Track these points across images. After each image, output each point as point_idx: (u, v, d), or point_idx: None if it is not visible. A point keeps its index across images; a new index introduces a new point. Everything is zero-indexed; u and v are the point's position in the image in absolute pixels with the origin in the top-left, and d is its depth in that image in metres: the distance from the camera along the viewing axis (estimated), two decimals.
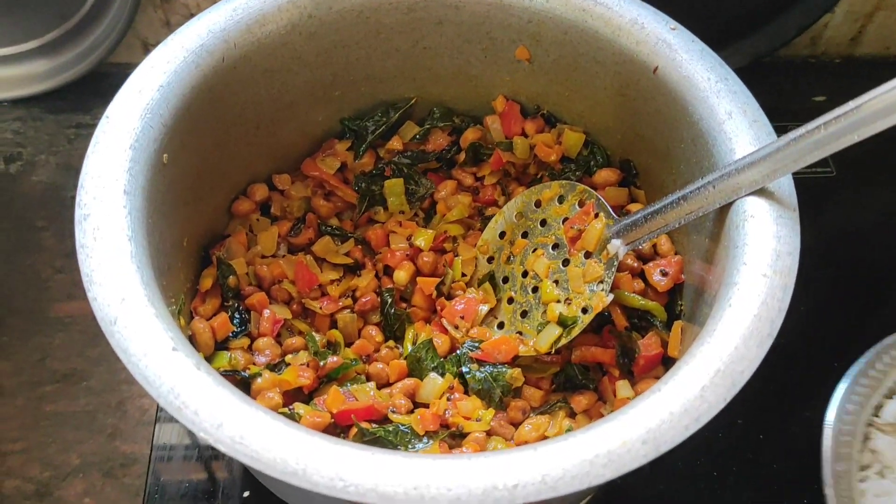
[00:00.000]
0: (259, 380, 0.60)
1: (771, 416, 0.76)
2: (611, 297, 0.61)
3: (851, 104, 0.47)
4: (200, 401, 0.46)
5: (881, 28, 1.03)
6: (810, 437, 0.66)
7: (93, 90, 0.99)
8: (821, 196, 0.90)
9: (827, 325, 0.82)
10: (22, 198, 0.92)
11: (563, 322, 0.62)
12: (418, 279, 0.68)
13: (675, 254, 0.66)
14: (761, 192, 0.54)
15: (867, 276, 0.86)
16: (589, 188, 0.65)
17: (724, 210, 0.56)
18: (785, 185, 0.55)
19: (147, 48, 0.99)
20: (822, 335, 0.80)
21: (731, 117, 0.58)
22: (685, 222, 0.58)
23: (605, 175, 0.71)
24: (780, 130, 0.54)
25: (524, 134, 0.73)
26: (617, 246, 0.61)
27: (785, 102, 1.01)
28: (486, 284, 0.68)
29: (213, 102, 0.62)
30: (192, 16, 0.94)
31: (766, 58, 0.97)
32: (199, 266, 0.66)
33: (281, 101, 0.68)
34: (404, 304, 0.69)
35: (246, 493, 0.70)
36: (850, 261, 0.86)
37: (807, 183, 0.91)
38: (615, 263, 0.62)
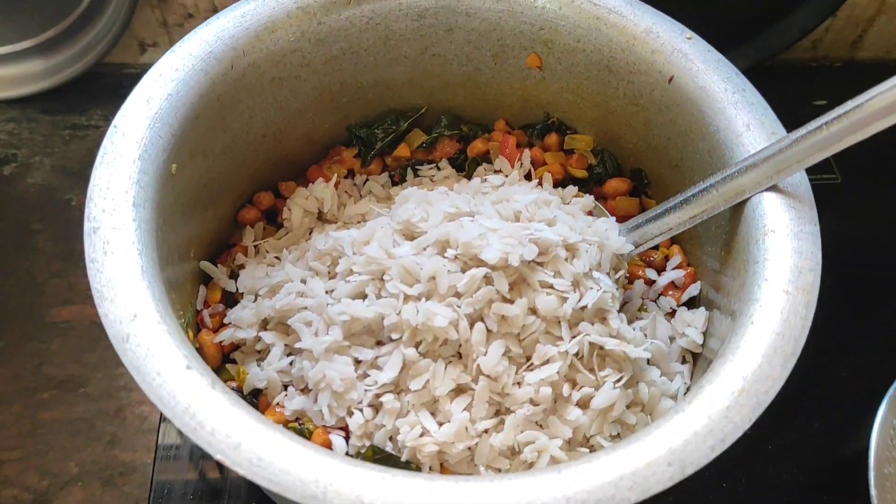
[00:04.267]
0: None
1: (801, 429, 0.76)
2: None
3: (852, 103, 0.47)
4: (216, 421, 0.45)
5: (882, 32, 1.03)
6: (845, 449, 0.66)
7: (89, 91, 0.97)
8: (827, 203, 0.89)
9: (849, 337, 0.81)
10: (16, 200, 0.91)
11: None
12: None
13: (688, 265, 0.65)
14: (782, 206, 0.54)
15: (881, 284, 0.86)
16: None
17: (742, 223, 0.56)
18: (805, 199, 0.55)
19: (144, 48, 0.98)
20: (847, 348, 0.80)
21: (749, 129, 0.58)
22: (691, 225, 0.58)
23: (615, 185, 0.71)
24: None
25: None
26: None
27: (786, 107, 0.99)
28: None
29: (221, 110, 0.61)
30: (189, 16, 0.94)
31: (767, 62, 0.96)
32: (204, 276, 0.65)
33: (289, 108, 0.67)
34: None
35: None
36: (862, 269, 0.86)
37: (813, 190, 0.91)
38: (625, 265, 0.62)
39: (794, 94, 1.03)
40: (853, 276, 0.85)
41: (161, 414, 0.74)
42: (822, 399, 0.76)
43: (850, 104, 0.47)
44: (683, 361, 0.61)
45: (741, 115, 0.59)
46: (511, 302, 0.55)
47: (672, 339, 0.62)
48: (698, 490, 0.72)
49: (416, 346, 0.55)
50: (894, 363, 0.65)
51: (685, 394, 0.58)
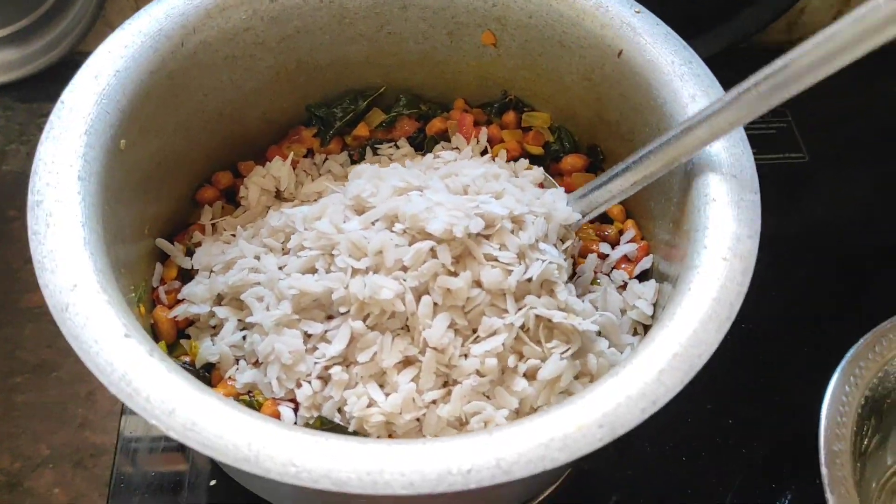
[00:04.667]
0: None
1: (761, 404, 0.76)
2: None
3: (780, 62, 0.48)
4: (152, 388, 0.45)
5: None
6: (802, 423, 0.66)
7: (63, 79, 0.93)
8: (795, 182, 0.90)
9: (810, 314, 0.82)
10: None
11: None
12: None
13: (642, 239, 0.66)
14: (724, 176, 0.54)
15: (846, 263, 0.86)
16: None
17: (686, 193, 0.56)
18: (747, 168, 0.55)
19: None
20: (806, 324, 0.81)
21: (695, 100, 0.58)
22: (634, 191, 0.58)
23: (571, 161, 0.71)
24: None
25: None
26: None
27: None
28: None
29: (172, 88, 0.61)
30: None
31: (742, 44, 0.96)
32: (161, 255, 0.65)
33: (244, 87, 0.68)
34: None
35: (212, 482, 0.70)
36: (829, 248, 0.86)
37: (780, 169, 0.91)
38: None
39: None
40: (818, 253, 0.86)
41: None
42: (782, 375, 0.76)
43: (778, 62, 0.48)
44: (635, 333, 0.62)
45: (687, 87, 0.59)
46: (455, 275, 0.55)
47: (623, 311, 0.62)
48: (659, 463, 0.72)
49: (364, 319, 0.56)
50: (851, 339, 0.65)
51: None
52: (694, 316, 0.49)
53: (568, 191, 0.68)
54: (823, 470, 0.60)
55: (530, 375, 0.56)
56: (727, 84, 0.56)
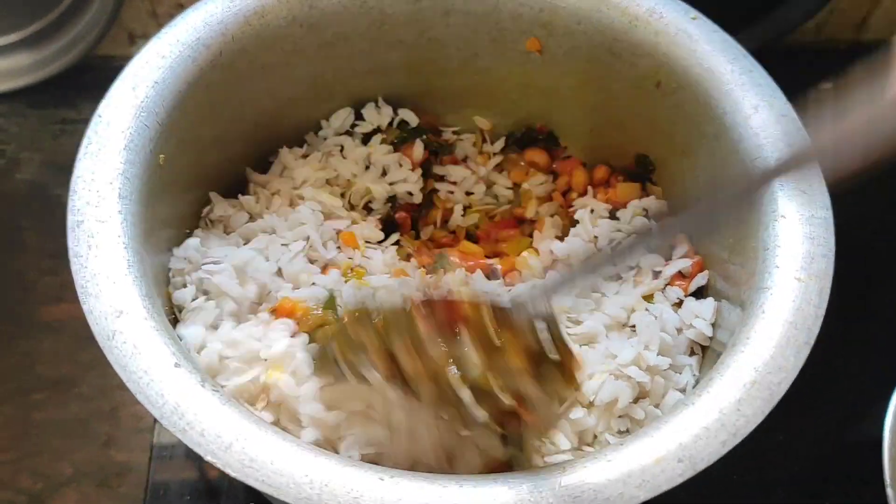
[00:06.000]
0: None
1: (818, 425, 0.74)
2: None
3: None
4: (206, 421, 0.43)
5: (887, 13, 1.01)
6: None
7: (78, 84, 0.95)
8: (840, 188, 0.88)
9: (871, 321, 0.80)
10: (5, 197, 0.88)
11: None
12: None
13: (696, 254, 0.63)
14: (792, 191, 0.52)
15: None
16: None
17: (752, 209, 0.54)
18: (816, 184, 0.53)
19: (133, 40, 0.96)
20: (866, 333, 0.79)
21: (758, 111, 0.56)
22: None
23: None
24: None
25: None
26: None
27: (791, 91, 0.99)
28: None
29: (210, 99, 0.59)
30: (179, 6, 0.91)
31: (770, 46, 0.94)
32: None
33: (280, 97, 0.66)
34: None
35: None
36: (873, 255, 0.84)
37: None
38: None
39: (799, 78, 1.01)
40: (867, 263, 0.84)
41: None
42: (835, 386, 0.74)
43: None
44: (692, 353, 0.59)
45: (749, 97, 0.57)
46: None
47: (679, 330, 0.60)
48: (708, 482, 0.70)
49: None
50: None
51: (694, 386, 0.56)
52: (769, 341, 0.47)
53: (612, 201, 0.67)
54: (889, 492, 0.59)
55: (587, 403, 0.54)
56: None
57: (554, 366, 0.45)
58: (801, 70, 1.00)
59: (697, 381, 0.57)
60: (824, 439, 0.73)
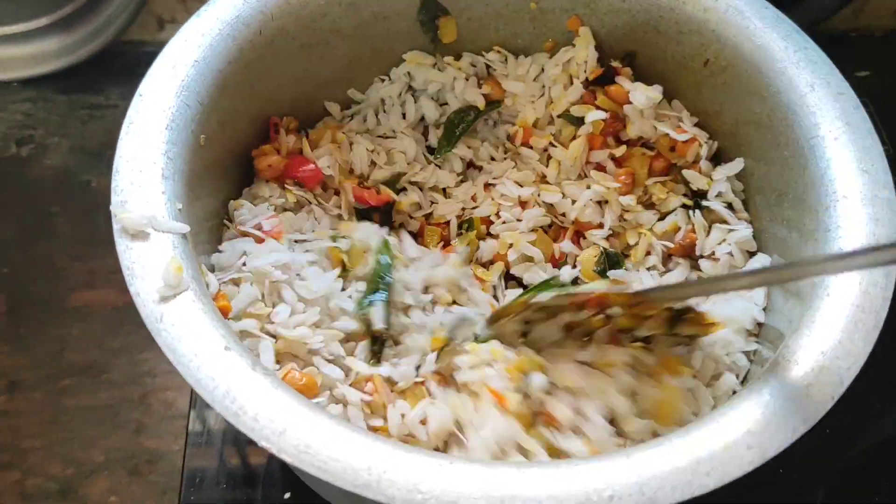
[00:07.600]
0: None
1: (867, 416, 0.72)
2: None
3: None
4: (259, 406, 0.42)
5: None
6: None
7: (106, 70, 0.94)
8: None
9: None
10: (34, 182, 0.88)
11: None
12: None
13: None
14: (853, 171, 0.50)
15: None
16: None
17: (810, 190, 0.52)
18: (878, 162, 0.51)
19: (162, 25, 0.94)
20: None
21: (814, 89, 0.54)
22: None
23: None
24: None
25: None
26: None
27: None
28: None
29: (249, 79, 0.58)
30: None
31: (807, 31, 0.92)
32: None
33: (318, 77, 0.64)
34: None
35: (287, 495, 0.66)
36: None
37: None
38: None
39: (837, 65, 0.99)
40: None
41: (190, 400, 0.72)
42: (881, 378, 0.72)
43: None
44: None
45: (804, 75, 0.55)
46: None
47: None
48: (753, 475, 0.69)
49: None
50: None
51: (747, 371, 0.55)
52: (836, 324, 0.45)
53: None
54: None
55: None
56: None
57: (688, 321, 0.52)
58: (837, 58, 0.99)
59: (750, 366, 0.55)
60: (872, 431, 0.71)
